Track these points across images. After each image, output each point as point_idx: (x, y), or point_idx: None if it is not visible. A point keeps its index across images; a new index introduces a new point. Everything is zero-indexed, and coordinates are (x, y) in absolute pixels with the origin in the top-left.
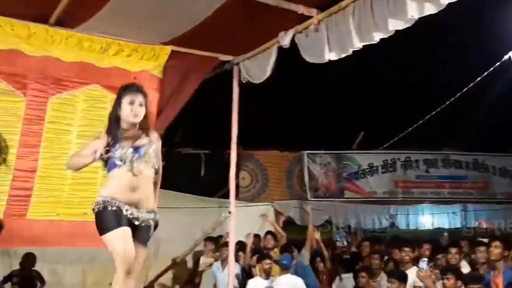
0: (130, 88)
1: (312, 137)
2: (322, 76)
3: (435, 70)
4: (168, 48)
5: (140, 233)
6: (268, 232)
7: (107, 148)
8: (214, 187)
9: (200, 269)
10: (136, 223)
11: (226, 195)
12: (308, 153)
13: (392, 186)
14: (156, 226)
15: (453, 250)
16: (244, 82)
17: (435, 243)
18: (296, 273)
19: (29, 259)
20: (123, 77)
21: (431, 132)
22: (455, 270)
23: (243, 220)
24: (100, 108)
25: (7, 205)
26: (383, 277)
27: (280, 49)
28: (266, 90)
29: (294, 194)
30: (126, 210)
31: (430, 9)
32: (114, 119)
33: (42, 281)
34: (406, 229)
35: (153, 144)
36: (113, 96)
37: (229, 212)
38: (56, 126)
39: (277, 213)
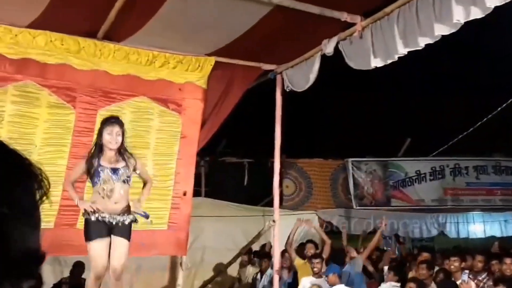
0: (109, 120)
1: (356, 144)
2: (367, 82)
3: (486, 75)
4: (212, 59)
5: (118, 229)
6: (309, 241)
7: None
8: (258, 195)
9: (246, 279)
10: (114, 222)
11: (270, 204)
12: (352, 160)
13: (441, 193)
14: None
15: (508, 261)
16: (287, 90)
17: (487, 253)
18: (347, 281)
19: (78, 268)
20: (168, 89)
21: (481, 138)
22: (509, 281)
23: (287, 228)
24: (147, 119)
25: (58, 215)
26: None
27: (323, 56)
28: (310, 98)
29: (339, 202)
30: (104, 217)
31: (476, 13)
32: (98, 146)
33: None
34: (456, 238)
35: (129, 167)
36: (160, 108)
37: (273, 221)
38: None
39: (321, 222)
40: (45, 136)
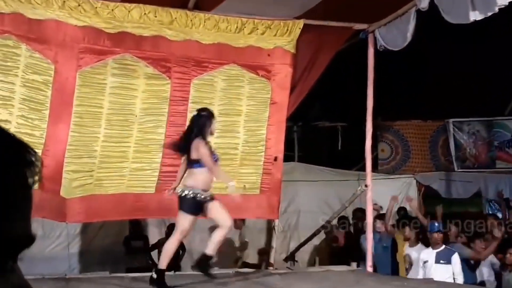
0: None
1: (458, 104)
2: (467, 37)
3: None
4: (301, 22)
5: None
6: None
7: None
8: (352, 159)
9: None
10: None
11: (365, 168)
12: (454, 121)
13: None
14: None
15: None
16: (381, 50)
17: None
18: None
19: (172, 229)
20: (258, 55)
21: None
22: None
23: (384, 193)
24: (238, 87)
25: (158, 180)
26: None
27: (419, 12)
28: (405, 57)
29: (438, 165)
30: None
31: None
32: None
33: (184, 249)
34: None
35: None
36: (250, 75)
37: (366, 185)
38: (199, 106)
39: (420, 186)
40: (144, 106)
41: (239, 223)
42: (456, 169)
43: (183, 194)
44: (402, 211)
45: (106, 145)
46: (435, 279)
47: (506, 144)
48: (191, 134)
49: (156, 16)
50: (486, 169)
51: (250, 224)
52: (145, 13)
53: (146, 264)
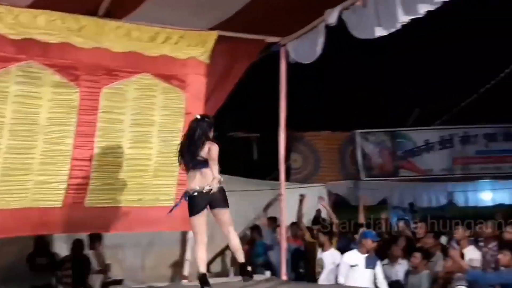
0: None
1: (364, 115)
2: (372, 53)
3: (492, 39)
4: (215, 33)
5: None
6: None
7: None
8: (267, 169)
9: None
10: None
11: (278, 178)
12: (360, 132)
13: (450, 162)
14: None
15: (509, 229)
16: (292, 63)
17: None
18: None
19: (77, 245)
20: (171, 65)
21: (490, 105)
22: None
23: (296, 201)
24: (151, 96)
25: (66, 193)
26: (439, 257)
27: (329, 27)
28: (315, 70)
29: (347, 174)
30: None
31: None
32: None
33: (88, 267)
34: (464, 206)
35: None
36: (163, 84)
37: (280, 194)
38: (110, 116)
39: (330, 194)
40: (50, 116)
41: None
42: (363, 177)
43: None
44: (317, 216)
45: (9, 157)
46: (361, 283)
47: (409, 154)
48: (200, 138)
49: (64, 23)
50: (391, 177)
51: (164, 236)
52: (52, 20)
53: (52, 281)
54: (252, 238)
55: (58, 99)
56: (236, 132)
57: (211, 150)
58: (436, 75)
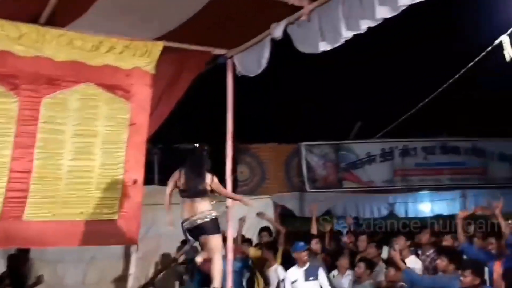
0: None
1: (309, 128)
2: (316, 67)
3: (429, 56)
4: (161, 44)
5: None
6: (264, 229)
7: None
8: None
9: None
10: None
11: None
12: (305, 144)
13: (391, 174)
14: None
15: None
16: (239, 75)
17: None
18: None
19: (13, 261)
20: (115, 75)
21: (428, 118)
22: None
23: (243, 214)
24: (93, 107)
25: (3, 207)
26: (382, 267)
27: (275, 41)
28: (262, 83)
29: (293, 186)
30: None
31: None
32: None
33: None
34: (404, 217)
35: None
36: (107, 95)
37: (226, 207)
38: (51, 126)
39: (276, 206)
40: None
41: None
42: (308, 189)
43: (212, 218)
44: (264, 231)
45: None
46: None
47: (352, 166)
48: (203, 169)
49: (3, 31)
50: (335, 189)
51: (107, 251)
52: None
53: None
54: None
55: None
56: (183, 143)
57: (214, 179)
58: (377, 89)
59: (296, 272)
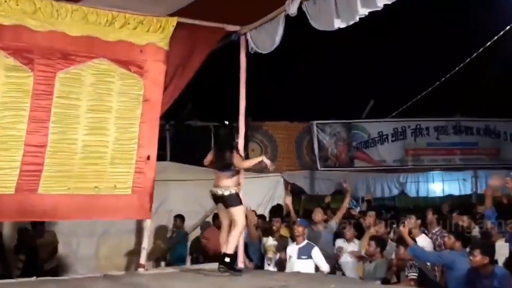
0: None
1: (321, 107)
2: (331, 45)
3: (445, 35)
4: (174, 20)
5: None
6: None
7: None
8: None
9: None
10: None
11: None
12: (317, 123)
13: (403, 154)
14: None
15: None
16: (252, 52)
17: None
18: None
19: (23, 234)
20: (129, 51)
21: (441, 99)
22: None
23: (253, 191)
24: (108, 82)
25: (18, 180)
26: (392, 245)
27: (288, 18)
28: (275, 61)
29: (304, 164)
30: None
31: None
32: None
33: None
34: (415, 197)
35: None
36: (121, 70)
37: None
38: (65, 101)
39: (287, 184)
40: (2, 100)
41: None
42: (319, 168)
43: (231, 193)
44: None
45: None
46: None
47: (363, 145)
48: (227, 145)
49: (18, 5)
50: (346, 167)
51: (119, 225)
52: (5, 1)
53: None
54: (175, 225)
55: (11, 83)
56: (195, 120)
57: (234, 155)
58: (391, 69)
59: (292, 249)
